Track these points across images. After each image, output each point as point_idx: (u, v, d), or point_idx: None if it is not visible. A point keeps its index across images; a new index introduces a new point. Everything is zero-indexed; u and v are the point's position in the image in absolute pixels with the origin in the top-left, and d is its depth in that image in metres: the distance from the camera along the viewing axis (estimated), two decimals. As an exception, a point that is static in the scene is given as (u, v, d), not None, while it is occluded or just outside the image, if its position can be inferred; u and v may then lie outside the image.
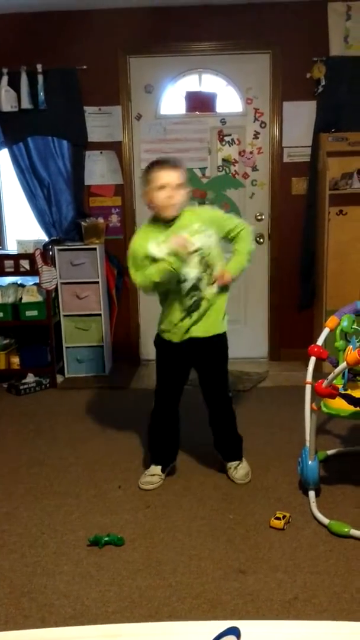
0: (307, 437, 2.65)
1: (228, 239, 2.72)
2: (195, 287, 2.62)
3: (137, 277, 2.60)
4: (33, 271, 4.31)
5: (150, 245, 2.55)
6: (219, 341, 2.77)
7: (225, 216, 2.76)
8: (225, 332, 2.79)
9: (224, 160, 4.67)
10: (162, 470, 2.91)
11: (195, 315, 2.66)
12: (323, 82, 4.37)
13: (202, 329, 2.69)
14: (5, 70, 4.35)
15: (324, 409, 2.61)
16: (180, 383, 2.84)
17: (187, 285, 2.60)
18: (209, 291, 2.64)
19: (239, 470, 2.89)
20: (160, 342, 2.80)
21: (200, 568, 2.23)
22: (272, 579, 2.15)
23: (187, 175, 2.62)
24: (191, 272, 2.58)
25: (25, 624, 1.97)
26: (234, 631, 0.96)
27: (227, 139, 4.64)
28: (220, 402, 2.87)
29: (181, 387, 2.85)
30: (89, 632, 1.22)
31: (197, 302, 2.65)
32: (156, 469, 2.90)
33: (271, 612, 1.98)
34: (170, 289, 2.63)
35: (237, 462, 2.92)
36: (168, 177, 2.52)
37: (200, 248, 2.56)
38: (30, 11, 4.34)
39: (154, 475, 2.88)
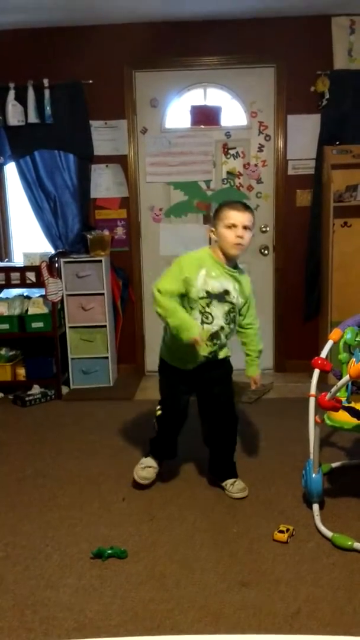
0: (311, 450, 2.65)
1: (242, 326, 2.88)
2: (217, 335, 2.71)
3: (163, 296, 2.60)
4: (39, 283, 4.34)
5: (200, 272, 2.63)
6: (227, 361, 2.87)
7: (253, 303, 2.87)
8: (230, 358, 2.88)
9: (228, 173, 4.71)
10: (159, 464, 2.97)
11: (209, 358, 2.76)
12: (327, 96, 4.40)
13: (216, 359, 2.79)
14: (12, 85, 4.41)
15: (327, 421, 2.61)
16: (185, 404, 2.90)
17: (210, 329, 2.69)
18: (225, 343, 2.77)
19: (235, 485, 2.88)
20: (165, 366, 2.87)
21: (203, 581, 2.23)
22: (275, 592, 2.15)
23: (253, 221, 2.71)
24: (217, 319, 2.69)
25: (28, 636, 1.97)
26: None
27: (231, 152, 4.67)
28: (229, 419, 2.89)
29: (186, 409, 2.91)
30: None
31: (214, 352, 2.74)
32: (151, 462, 2.96)
33: (274, 626, 1.98)
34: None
35: (232, 480, 2.91)
36: (242, 218, 2.64)
37: (233, 303, 2.71)
38: (37, 27, 4.41)
39: (149, 467, 2.94)
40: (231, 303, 2.70)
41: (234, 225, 2.63)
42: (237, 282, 2.73)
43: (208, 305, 2.65)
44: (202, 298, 2.64)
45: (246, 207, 2.69)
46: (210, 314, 2.66)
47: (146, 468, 2.94)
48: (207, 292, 2.64)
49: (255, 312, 2.89)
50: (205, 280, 2.63)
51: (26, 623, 2.04)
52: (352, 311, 3.12)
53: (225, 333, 2.74)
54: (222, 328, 2.71)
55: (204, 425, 2.94)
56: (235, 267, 2.75)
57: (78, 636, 1.95)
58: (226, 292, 2.68)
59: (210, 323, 2.67)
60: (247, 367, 2.93)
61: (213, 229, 2.71)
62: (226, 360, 2.84)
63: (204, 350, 2.69)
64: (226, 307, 2.70)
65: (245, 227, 2.65)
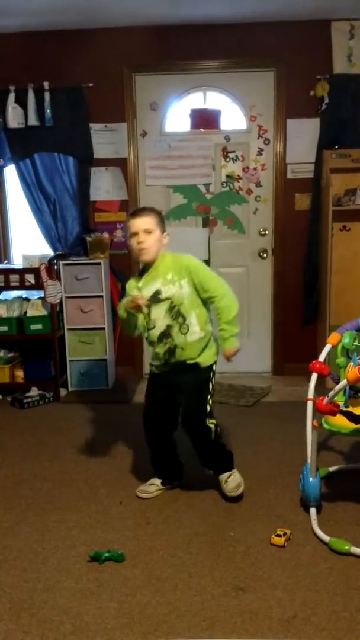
0: (309, 454, 2.65)
1: (207, 301, 2.71)
2: (166, 335, 2.67)
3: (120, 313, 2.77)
4: (38, 285, 4.34)
5: (132, 290, 2.72)
6: (200, 368, 2.73)
7: (206, 275, 2.67)
8: (209, 366, 2.75)
9: (228, 176, 4.72)
10: (163, 484, 2.93)
11: (172, 360, 2.72)
12: (326, 100, 4.42)
13: (181, 363, 2.74)
14: (12, 88, 4.42)
15: (325, 425, 2.61)
16: (166, 412, 2.83)
17: (156, 333, 2.68)
18: (182, 339, 2.66)
19: (230, 482, 2.82)
20: (150, 374, 2.92)
21: (200, 585, 2.23)
22: (271, 597, 2.15)
23: (160, 221, 2.67)
24: (159, 320, 2.67)
25: (24, 639, 1.97)
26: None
27: (231, 155, 4.68)
28: (196, 430, 2.77)
29: (168, 417, 2.84)
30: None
31: (172, 350, 2.69)
32: (156, 481, 2.94)
33: (270, 631, 1.98)
34: (144, 335, 2.75)
35: (227, 474, 2.85)
36: (138, 224, 2.63)
37: (169, 297, 2.63)
38: (38, 30, 4.42)
39: (152, 484, 2.93)
40: (167, 299, 2.64)
41: (135, 234, 2.63)
42: (165, 273, 2.65)
43: (149, 313, 2.66)
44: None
45: (143, 210, 2.68)
46: (152, 318, 2.67)
47: (152, 485, 2.93)
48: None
49: (217, 282, 2.67)
50: (140, 291, 2.68)
51: (23, 626, 2.04)
52: (350, 315, 3.12)
53: (177, 329, 2.65)
54: (169, 326, 2.65)
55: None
56: (158, 262, 2.67)
57: (74, 640, 1.96)
58: (157, 292, 2.65)
59: (154, 328, 2.68)
60: (222, 342, 2.72)
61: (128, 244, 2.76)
62: (196, 365, 2.72)
63: (160, 349, 2.69)
64: (164, 305, 2.64)
65: (145, 231, 2.61)
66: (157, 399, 2.85)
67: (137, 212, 2.68)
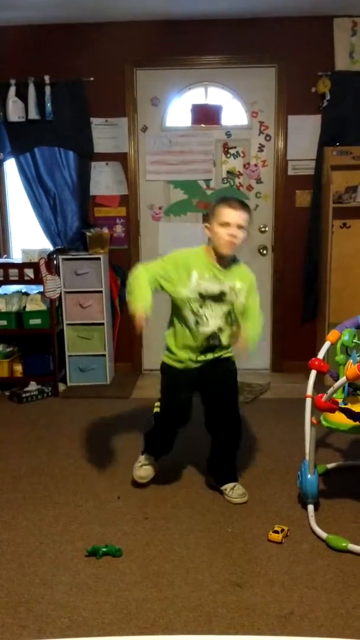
0: (307, 451, 2.66)
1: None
2: (215, 335, 2.66)
3: (140, 271, 2.58)
4: (37, 280, 4.33)
5: (192, 273, 2.58)
6: (231, 361, 2.81)
7: (254, 293, 2.74)
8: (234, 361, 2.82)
9: (228, 172, 4.70)
10: (155, 460, 2.96)
11: (209, 356, 2.71)
12: (328, 97, 4.41)
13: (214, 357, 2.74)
14: (13, 82, 4.40)
15: (323, 422, 2.61)
16: (187, 412, 2.82)
17: (206, 331, 2.64)
18: (226, 341, 2.70)
19: (236, 490, 2.83)
20: (166, 368, 2.79)
21: (197, 581, 2.23)
22: (268, 593, 2.15)
23: (250, 220, 2.63)
24: (213, 319, 2.63)
25: (22, 634, 1.97)
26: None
27: (232, 151, 4.67)
28: (231, 420, 2.83)
29: (187, 416, 2.83)
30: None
31: (213, 347, 2.70)
32: (149, 459, 2.94)
33: (267, 627, 1.98)
34: (189, 328, 2.65)
35: (232, 484, 2.86)
36: (236, 217, 2.55)
37: (232, 302, 2.63)
38: (39, 23, 4.40)
39: (147, 465, 2.92)
40: (230, 303, 2.64)
41: (227, 224, 2.54)
42: (234, 280, 2.64)
43: (201, 306, 2.60)
44: (194, 300, 2.59)
45: (243, 206, 2.60)
46: (205, 315, 2.61)
47: (143, 466, 2.93)
48: (200, 294, 2.58)
49: (258, 308, 2.74)
50: (198, 283, 2.58)
51: (20, 620, 2.04)
52: (350, 313, 3.12)
53: (225, 335, 2.69)
54: (220, 329, 2.66)
55: (208, 426, 2.87)
56: (231, 262, 2.67)
57: (71, 634, 1.95)
58: (222, 294, 2.61)
59: (205, 325, 2.62)
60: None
61: (208, 225, 2.62)
62: (229, 359, 2.79)
63: (201, 344, 2.65)
64: (224, 307, 2.63)
65: (239, 227, 2.56)
66: (181, 400, 2.79)
67: (236, 204, 2.58)
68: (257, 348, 2.73)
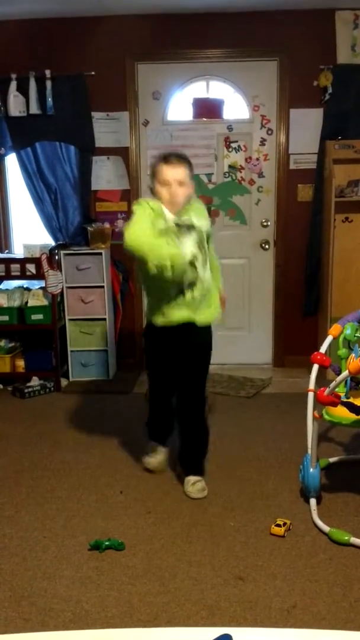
0: (309, 445, 2.66)
1: None
2: (191, 264, 2.55)
3: (140, 234, 2.46)
4: (39, 275, 4.33)
5: (164, 209, 2.54)
6: (209, 333, 2.75)
7: (210, 236, 2.73)
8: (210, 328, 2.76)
9: (230, 166, 4.69)
10: (164, 445, 2.96)
11: (190, 294, 2.59)
12: (330, 90, 4.39)
13: (202, 315, 2.65)
14: (14, 76, 4.38)
15: (325, 416, 2.62)
16: (171, 373, 2.78)
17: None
18: (204, 273, 2.60)
19: (196, 485, 2.78)
20: (151, 331, 2.72)
21: (200, 574, 2.24)
22: (271, 587, 2.16)
23: (192, 172, 2.60)
24: (188, 248, 2.54)
25: (25, 627, 1.98)
26: (227, 638, 0.97)
27: (233, 145, 4.66)
28: (195, 401, 2.78)
29: (173, 378, 2.79)
30: (87, 636, 1.23)
31: (193, 285, 2.59)
32: (156, 446, 2.95)
33: (269, 620, 1.98)
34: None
35: (197, 478, 2.81)
36: (173, 174, 2.52)
37: (199, 227, 2.57)
38: (39, 17, 4.38)
39: (156, 453, 2.93)
40: (197, 228, 2.58)
41: (167, 182, 2.51)
42: (190, 213, 2.60)
43: (177, 237, 2.52)
44: (171, 229, 2.52)
45: (181, 160, 2.54)
46: (181, 242, 2.53)
47: (153, 455, 2.93)
48: (177, 224, 2.53)
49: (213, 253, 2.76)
50: (165, 214, 2.53)
51: (23, 614, 2.04)
52: (351, 307, 3.12)
53: (202, 260, 2.58)
54: (195, 256, 2.55)
55: (177, 404, 2.83)
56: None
57: (74, 628, 1.96)
58: (192, 225, 2.56)
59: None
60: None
61: (151, 186, 2.59)
62: (208, 329, 2.71)
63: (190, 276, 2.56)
64: (193, 235, 2.57)
65: (180, 183, 2.51)
66: (163, 353, 2.73)
67: (171, 160, 2.53)
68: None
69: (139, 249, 2.43)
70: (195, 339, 2.69)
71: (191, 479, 2.81)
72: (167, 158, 2.54)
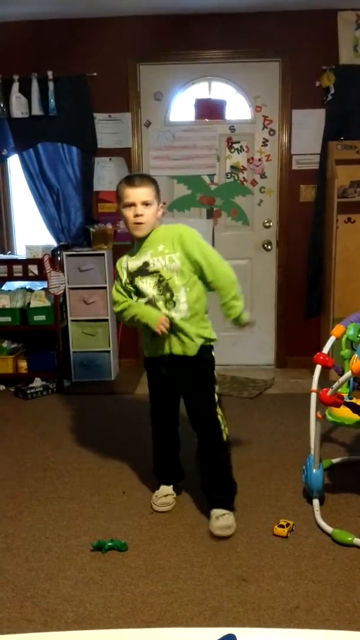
0: (312, 445, 2.65)
1: (206, 284, 2.53)
2: (151, 303, 2.49)
3: (117, 303, 2.58)
4: (41, 276, 4.34)
5: (122, 264, 2.55)
6: (202, 360, 2.55)
7: (201, 250, 2.49)
8: (208, 358, 2.57)
9: (232, 167, 4.69)
10: (174, 489, 2.80)
11: (163, 341, 2.51)
12: (332, 91, 4.39)
13: (179, 348, 2.51)
14: (16, 77, 4.39)
15: (328, 417, 2.61)
16: (171, 403, 2.67)
17: (144, 300, 2.50)
18: (170, 314, 2.46)
19: (220, 520, 2.49)
20: (146, 362, 2.68)
21: (203, 575, 2.24)
22: (274, 588, 2.15)
23: (158, 192, 2.49)
24: (147, 290, 2.49)
25: (27, 627, 1.98)
26: (231, 638, 0.97)
27: (235, 146, 4.66)
28: (207, 432, 2.57)
29: (174, 409, 2.69)
30: (90, 636, 1.23)
31: (173, 328, 2.47)
32: (167, 489, 2.77)
33: (272, 621, 1.98)
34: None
35: (222, 512, 2.53)
36: (136, 194, 2.42)
37: (157, 271, 2.46)
38: (42, 19, 4.39)
39: (167, 495, 2.74)
40: (155, 272, 2.46)
41: (131, 204, 2.43)
42: (156, 245, 2.47)
43: (134, 285, 2.50)
44: (130, 283, 2.52)
45: (143, 180, 2.46)
46: (142, 291, 2.49)
47: (161, 498, 2.73)
48: (129, 274, 2.51)
49: (220, 267, 2.51)
50: (127, 265, 2.52)
51: (26, 614, 2.04)
52: (354, 308, 3.12)
53: (162, 303, 2.46)
54: (155, 300, 2.47)
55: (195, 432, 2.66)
56: (154, 232, 2.51)
57: (77, 628, 1.96)
58: (145, 264, 2.47)
59: (144, 296, 2.49)
60: (226, 311, 2.55)
61: (117, 209, 2.54)
62: (198, 357, 2.52)
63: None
64: (153, 279, 2.47)
65: (144, 203, 2.42)
66: (160, 388, 2.65)
67: (134, 181, 2.45)
68: (245, 309, 2.57)
69: (120, 320, 2.64)
70: (185, 369, 2.55)
71: (216, 511, 2.54)
72: (129, 179, 2.50)
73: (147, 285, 2.50)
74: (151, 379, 2.70)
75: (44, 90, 4.43)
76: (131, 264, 2.54)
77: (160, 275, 2.47)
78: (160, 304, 2.48)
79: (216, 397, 2.58)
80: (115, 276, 2.64)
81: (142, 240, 2.52)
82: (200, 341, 2.52)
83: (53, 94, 4.43)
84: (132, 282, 2.53)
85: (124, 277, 2.56)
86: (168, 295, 2.47)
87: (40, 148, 4.58)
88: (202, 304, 2.54)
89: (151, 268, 2.48)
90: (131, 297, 2.56)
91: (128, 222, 2.47)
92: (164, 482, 2.80)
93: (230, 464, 2.63)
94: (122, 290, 2.58)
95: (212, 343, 2.59)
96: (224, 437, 2.57)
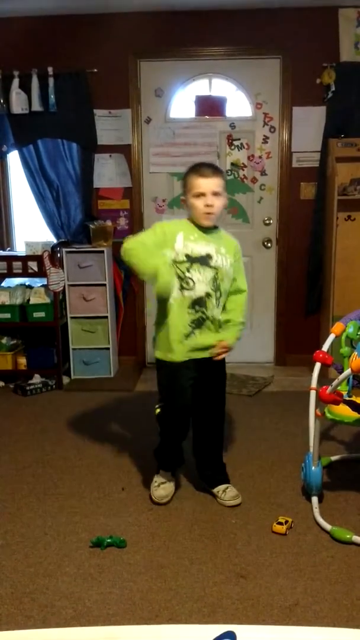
0: (311, 443, 2.66)
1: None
2: (201, 302, 2.51)
3: (138, 248, 2.46)
4: (41, 273, 4.33)
5: (178, 235, 2.49)
6: (223, 362, 2.72)
7: (241, 266, 2.70)
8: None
9: (232, 164, 4.68)
10: (172, 476, 2.82)
11: (198, 334, 2.55)
12: (333, 88, 4.38)
13: (208, 352, 2.60)
14: (16, 73, 4.38)
15: (328, 415, 2.61)
16: (188, 406, 2.68)
17: (192, 295, 2.50)
18: (215, 312, 2.55)
19: (228, 492, 2.73)
20: (162, 365, 2.64)
21: (202, 572, 2.24)
22: (273, 585, 2.15)
23: (225, 184, 2.55)
24: (200, 284, 2.49)
25: (26, 624, 1.98)
26: (230, 635, 0.97)
27: (236, 143, 4.65)
28: (217, 426, 2.79)
29: (189, 410, 2.70)
30: (88, 633, 1.23)
31: (201, 320, 2.54)
32: (165, 476, 2.79)
33: (271, 618, 1.98)
34: (175, 299, 2.51)
35: (225, 486, 2.76)
36: (209, 184, 2.45)
37: (217, 267, 2.52)
38: (42, 15, 4.38)
39: (164, 483, 2.76)
40: (215, 268, 2.51)
41: (202, 194, 2.45)
42: (219, 245, 2.55)
43: (188, 270, 2.47)
44: (181, 262, 2.47)
45: (215, 171, 2.49)
46: (191, 279, 2.47)
47: (161, 485, 2.75)
48: (187, 256, 2.47)
49: (244, 284, 2.70)
50: (185, 244, 2.48)
51: (24, 611, 2.04)
52: (354, 305, 3.12)
53: (212, 302, 2.52)
54: (208, 295, 2.50)
55: (195, 427, 2.77)
56: (214, 230, 2.58)
57: (76, 624, 1.96)
58: (208, 256, 2.49)
59: (191, 289, 2.48)
60: (223, 330, 2.63)
61: (184, 198, 2.55)
62: (223, 362, 2.70)
63: (189, 316, 2.51)
64: (210, 272, 2.50)
65: (214, 194, 2.46)
66: (182, 379, 2.61)
67: (206, 171, 2.46)
68: (241, 336, 2.71)
69: (129, 254, 2.47)
70: (205, 369, 2.64)
71: (221, 486, 2.76)
72: (200, 170, 2.50)
73: (203, 277, 2.49)
74: (171, 371, 2.62)
75: (44, 86, 4.42)
76: (191, 246, 2.49)
77: (218, 273, 2.52)
78: (212, 300, 2.53)
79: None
80: (149, 231, 2.53)
81: (204, 230, 2.53)
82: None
83: (53, 90, 4.42)
84: (187, 267, 2.47)
85: (176, 253, 2.47)
86: (219, 293, 2.56)
87: (40, 144, 4.57)
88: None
89: (213, 262, 2.51)
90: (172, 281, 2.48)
91: (197, 211, 2.49)
92: (166, 468, 2.81)
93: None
94: (152, 242, 2.46)
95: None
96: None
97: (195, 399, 2.68)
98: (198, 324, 2.55)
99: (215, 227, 2.60)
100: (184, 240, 2.50)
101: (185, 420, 2.73)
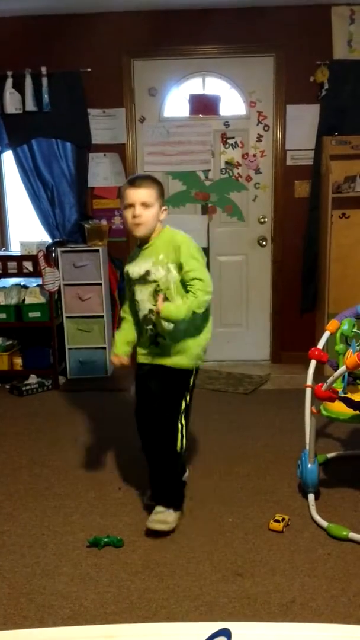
0: (307, 440, 2.66)
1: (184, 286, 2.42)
2: (148, 320, 2.46)
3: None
4: (36, 273, 4.32)
5: (127, 266, 2.52)
6: (174, 371, 2.50)
7: (190, 260, 2.36)
8: (190, 370, 2.52)
9: (227, 163, 4.68)
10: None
11: (155, 350, 2.50)
12: (326, 86, 4.38)
13: (168, 360, 2.49)
14: (10, 73, 4.37)
15: (323, 412, 2.62)
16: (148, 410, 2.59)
17: (140, 315, 2.49)
18: (166, 327, 2.40)
19: (159, 515, 2.45)
20: (136, 366, 2.64)
21: (199, 570, 2.24)
22: (269, 582, 2.16)
23: (161, 194, 2.43)
24: (143, 302, 2.45)
25: (23, 624, 1.98)
26: (225, 632, 0.97)
27: (230, 141, 4.65)
28: (160, 439, 2.54)
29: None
30: (85, 632, 1.23)
31: (153, 337, 2.48)
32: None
33: (268, 615, 1.98)
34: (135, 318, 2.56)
35: (162, 508, 2.47)
36: (136, 195, 2.36)
37: (156, 280, 2.39)
38: (35, 14, 4.37)
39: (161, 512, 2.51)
40: (154, 281, 2.39)
41: (131, 205, 2.37)
42: (157, 253, 2.40)
43: (134, 293, 2.47)
44: (129, 289, 2.52)
45: (144, 181, 2.40)
46: (138, 300, 2.47)
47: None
48: (130, 279, 2.48)
49: (198, 273, 2.35)
50: (128, 268, 2.49)
51: (22, 611, 2.04)
52: (349, 303, 3.12)
53: (161, 320, 2.38)
54: (151, 311, 2.42)
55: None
56: (156, 237, 2.44)
57: (73, 624, 1.96)
58: (147, 273, 2.40)
59: (140, 309, 2.48)
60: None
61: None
62: (177, 370, 2.48)
63: (144, 335, 2.51)
64: (149, 288, 2.41)
65: (143, 204, 2.35)
66: (141, 388, 2.64)
67: (136, 182, 2.40)
68: (171, 326, 2.41)
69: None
70: (159, 378, 2.53)
71: (158, 508, 2.49)
72: (131, 180, 2.46)
73: (144, 295, 2.44)
74: (136, 378, 2.67)
75: (38, 86, 4.41)
76: (133, 269, 2.47)
77: (158, 285, 2.40)
78: (161, 320, 2.38)
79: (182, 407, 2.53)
80: (121, 282, 2.59)
81: (144, 242, 2.46)
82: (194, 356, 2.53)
83: (47, 89, 4.42)
84: (134, 290, 2.48)
85: (125, 280, 2.53)
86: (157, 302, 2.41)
87: (35, 144, 4.56)
88: (197, 327, 2.49)
89: (150, 277, 2.41)
90: (133, 304, 2.53)
91: (127, 222, 2.43)
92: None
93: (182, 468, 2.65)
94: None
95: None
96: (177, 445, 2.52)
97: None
98: (152, 339, 2.50)
99: (157, 235, 2.45)
100: (128, 267, 2.51)
101: (145, 424, 2.69)
